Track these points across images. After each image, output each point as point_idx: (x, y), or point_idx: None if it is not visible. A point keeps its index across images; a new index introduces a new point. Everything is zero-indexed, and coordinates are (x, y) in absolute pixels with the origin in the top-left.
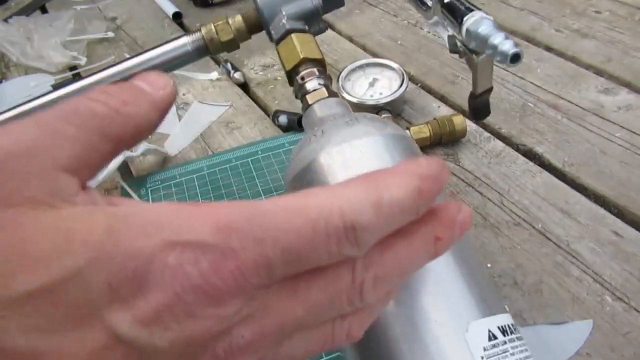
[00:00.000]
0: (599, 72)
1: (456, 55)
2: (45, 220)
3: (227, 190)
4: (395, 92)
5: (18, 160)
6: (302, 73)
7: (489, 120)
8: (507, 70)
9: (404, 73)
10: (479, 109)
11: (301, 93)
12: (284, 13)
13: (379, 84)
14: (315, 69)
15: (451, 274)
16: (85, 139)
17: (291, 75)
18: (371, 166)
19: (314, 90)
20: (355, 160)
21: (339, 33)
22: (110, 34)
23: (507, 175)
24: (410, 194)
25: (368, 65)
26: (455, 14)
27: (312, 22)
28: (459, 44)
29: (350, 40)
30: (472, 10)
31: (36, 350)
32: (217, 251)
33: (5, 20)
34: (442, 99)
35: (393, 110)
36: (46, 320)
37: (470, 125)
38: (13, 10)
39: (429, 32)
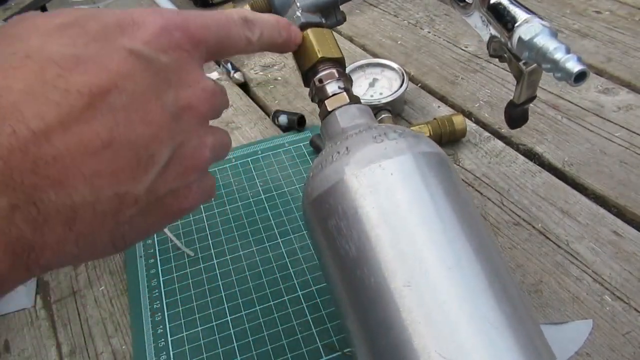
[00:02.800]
0: (599, 72)
1: (456, 55)
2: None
3: (227, 190)
4: (395, 92)
5: None
6: (320, 75)
7: (489, 120)
8: (507, 70)
9: (404, 73)
10: (517, 118)
11: (319, 97)
12: (298, 4)
13: (379, 84)
14: (334, 70)
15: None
16: None
17: (307, 75)
18: (402, 190)
19: (334, 94)
20: (385, 183)
21: (339, 33)
22: None
23: (507, 175)
24: (272, 19)
25: (368, 65)
26: (505, 18)
27: (329, 13)
28: (503, 49)
29: (350, 40)
30: (525, 15)
31: (78, 56)
32: (184, 19)
33: (6, 20)
34: (442, 99)
35: (393, 110)
36: (80, 41)
37: (470, 125)
38: (13, 10)
39: (429, 32)
